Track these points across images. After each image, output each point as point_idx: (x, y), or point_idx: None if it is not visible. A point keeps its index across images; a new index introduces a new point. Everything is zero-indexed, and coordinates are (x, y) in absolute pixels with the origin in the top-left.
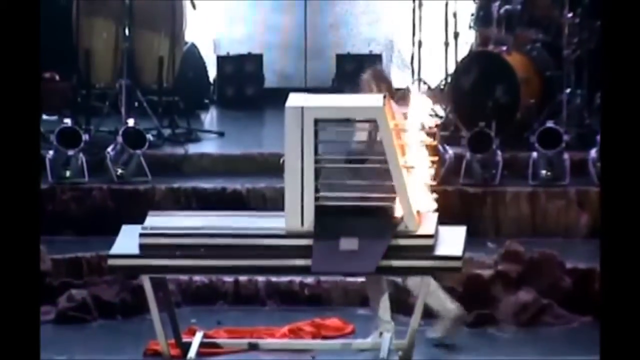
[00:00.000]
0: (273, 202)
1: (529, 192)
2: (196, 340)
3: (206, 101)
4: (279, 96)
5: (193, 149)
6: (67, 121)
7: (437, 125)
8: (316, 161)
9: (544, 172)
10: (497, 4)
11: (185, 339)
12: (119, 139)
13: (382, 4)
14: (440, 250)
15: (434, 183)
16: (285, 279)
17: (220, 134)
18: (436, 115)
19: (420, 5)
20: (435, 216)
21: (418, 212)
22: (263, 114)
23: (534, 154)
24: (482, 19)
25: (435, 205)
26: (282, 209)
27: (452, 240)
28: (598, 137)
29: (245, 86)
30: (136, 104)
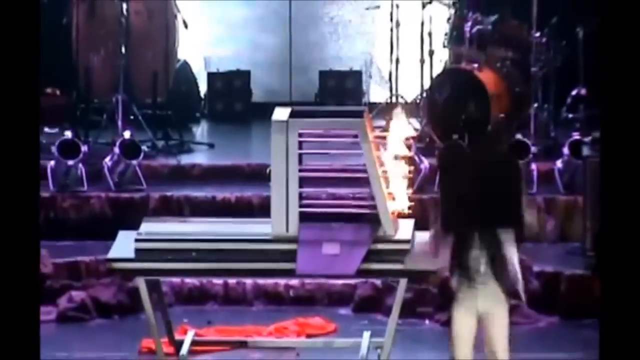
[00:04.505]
0: (260, 209)
1: None
2: (188, 338)
3: (197, 115)
4: (265, 110)
5: (185, 159)
6: (68, 133)
7: (413, 137)
8: (300, 170)
9: None
10: (469, 24)
11: (177, 337)
12: (116, 150)
13: (362, 24)
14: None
15: (410, 191)
16: (271, 281)
17: (211, 146)
18: (412, 128)
19: (397, 25)
20: (411, 222)
21: (395, 218)
22: (250, 127)
23: None
24: (456, 38)
25: (411, 212)
26: (268, 215)
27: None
28: (563, 149)
29: (234, 101)
30: (132, 117)
